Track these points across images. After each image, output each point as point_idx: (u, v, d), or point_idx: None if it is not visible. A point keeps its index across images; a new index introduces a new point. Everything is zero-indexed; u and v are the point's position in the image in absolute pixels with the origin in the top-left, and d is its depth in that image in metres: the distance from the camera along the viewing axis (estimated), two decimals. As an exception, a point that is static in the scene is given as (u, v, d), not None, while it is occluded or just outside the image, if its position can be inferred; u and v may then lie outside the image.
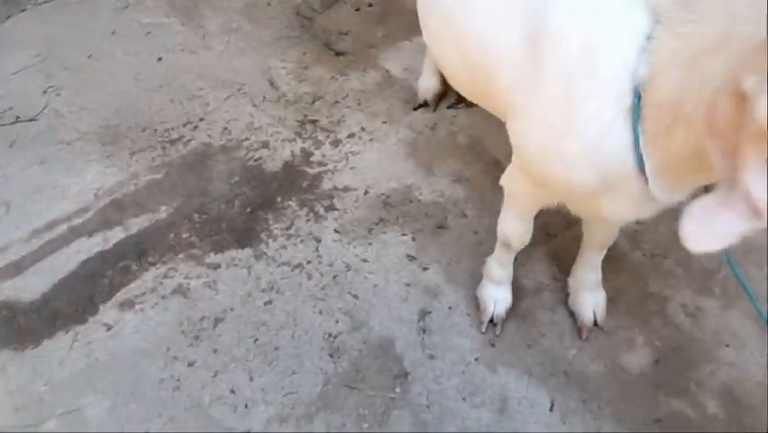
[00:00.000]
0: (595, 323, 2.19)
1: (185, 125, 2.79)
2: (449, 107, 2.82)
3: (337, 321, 2.23)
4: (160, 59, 3.06)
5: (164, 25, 3.21)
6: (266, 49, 3.10)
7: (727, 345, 2.21)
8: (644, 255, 2.40)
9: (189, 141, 2.74)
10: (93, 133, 2.77)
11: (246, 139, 2.75)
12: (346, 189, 2.58)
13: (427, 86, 2.78)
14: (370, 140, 2.73)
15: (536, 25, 1.43)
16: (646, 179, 1.35)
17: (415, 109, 2.81)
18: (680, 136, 1.24)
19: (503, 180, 1.87)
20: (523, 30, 1.47)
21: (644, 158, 1.31)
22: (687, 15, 1.18)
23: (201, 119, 2.82)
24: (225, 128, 2.79)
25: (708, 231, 1.05)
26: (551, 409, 2.06)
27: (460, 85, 2.00)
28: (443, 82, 2.73)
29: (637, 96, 1.26)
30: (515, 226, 1.96)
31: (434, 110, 2.80)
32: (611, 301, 2.24)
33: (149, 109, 2.85)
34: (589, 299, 2.18)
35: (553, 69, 1.39)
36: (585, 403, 2.07)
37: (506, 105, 1.60)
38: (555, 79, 1.38)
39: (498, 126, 1.86)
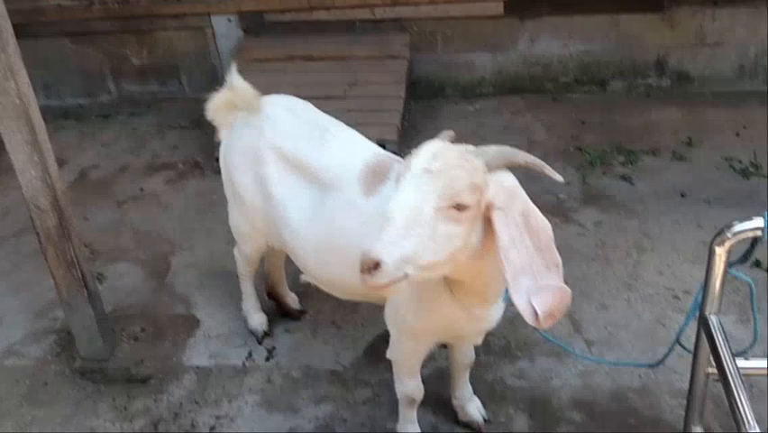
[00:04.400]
0: (484, 419, 2.89)
1: None
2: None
3: None
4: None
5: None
6: (70, 422, 3.13)
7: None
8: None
9: None
10: None
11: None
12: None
13: (260, 321, 3.39)
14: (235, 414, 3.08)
15: None
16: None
17: (260, 342, 3.36)
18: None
19: (390, 354, 2.53)
20: None
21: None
22: None
23: None
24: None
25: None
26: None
27: (342, 292, 2.66)
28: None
29: None
30: (413, 384, 2.59)
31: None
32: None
33: None
34: (472, 406, 2.88)
35: None
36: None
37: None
38: None
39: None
